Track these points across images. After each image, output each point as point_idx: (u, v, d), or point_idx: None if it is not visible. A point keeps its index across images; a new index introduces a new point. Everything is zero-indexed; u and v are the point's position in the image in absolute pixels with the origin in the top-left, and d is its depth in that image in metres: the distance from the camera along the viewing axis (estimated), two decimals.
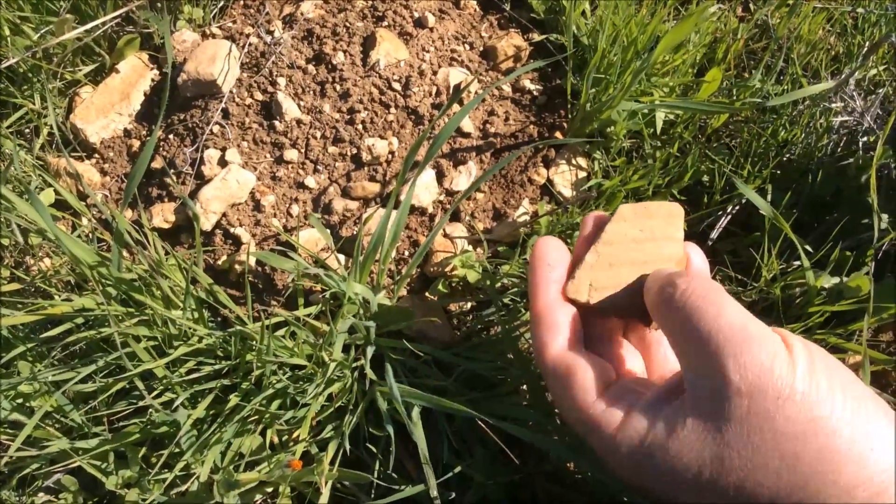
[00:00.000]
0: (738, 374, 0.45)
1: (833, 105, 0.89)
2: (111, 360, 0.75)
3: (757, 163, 0.91)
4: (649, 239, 0.60)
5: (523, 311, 0.85)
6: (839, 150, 0.90)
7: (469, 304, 0.89)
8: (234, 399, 0.75)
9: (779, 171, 0.91)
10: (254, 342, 0.75)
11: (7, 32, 0.94)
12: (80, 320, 0.80)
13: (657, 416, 0.49)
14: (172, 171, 0.90)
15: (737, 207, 0.89)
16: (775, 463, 0.44)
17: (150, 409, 0.76)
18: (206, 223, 0.86)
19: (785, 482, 0.44)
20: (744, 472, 0.45)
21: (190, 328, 0.76)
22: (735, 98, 0.94)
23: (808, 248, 0.83)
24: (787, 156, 0.92)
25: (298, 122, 0.90)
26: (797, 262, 0.84)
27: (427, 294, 0.88)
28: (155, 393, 0.76)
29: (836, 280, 0.81)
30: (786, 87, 0.96)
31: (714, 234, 0.89)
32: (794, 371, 0.45)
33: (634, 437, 0.50)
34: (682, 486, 0.47)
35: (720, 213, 0.90)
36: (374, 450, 0.79)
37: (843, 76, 0.89)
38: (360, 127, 0.90)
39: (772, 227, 0.83)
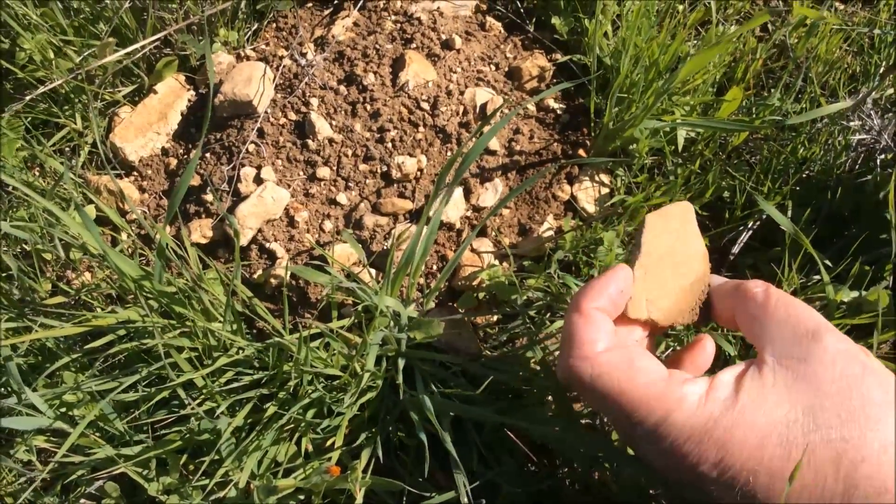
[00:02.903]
0: (833, 343, 0.52)
1: (851, 123, 0.92)
2: (153, 370, 0.78)
3: (777, 179, 0.93)
4: (678, 242, 0.63)
5: (549, 323, 0.87)
6: (857, 167, 0.92)
7: (495, 317, 0.91)
8: (271, 408, 0.77)
9: (798, 188, 0.93)
10: (291, 353, 0.78)
11: (51, 55, 0.98)
12: (121, 332, 0.83)
13: (742, 381, 0.53)
14: (210, 188, 0.93)
15: (757, 223, 0.92)
16: (861, 420, 0.49)
17: (192, 418, 0.79)
18: (243, 238, 0.89)
19: (868, 438, 0.49)
20: (834, 425, 0.49)
21: (229, 339, 0.79)
22: (755, 116, 0.97)
23: (827, 262, 0.85)
24: (807, 173, 0.94)
25: (330, 140, 0.93)
26: (817, 277, 0.86)
27: (455, 307, 0.91)
28: (196, 402, 0.78)
29: (855, 294, 0.83)
30: (804, 106, 0.98)
31: (735, 249, 0.91)
32: (871, 356, 0.53)
33: (724, 399, 0.52)
34: (770, 444, 0.50)
35: (741, 228, 0.92)
36: (406, 458, 0.82)
37: (860, 95, 0.91)
38: (389, 145, 0.93)
39: (792, 242, 0.85)
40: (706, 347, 0.65)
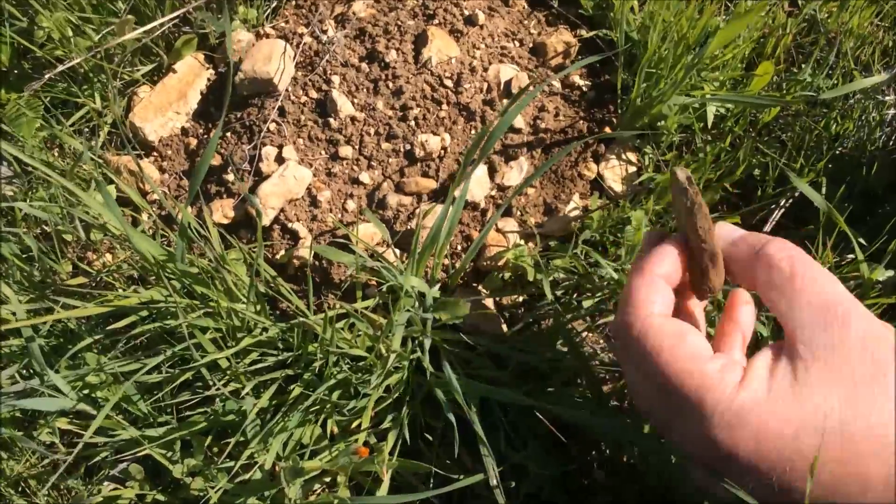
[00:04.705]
0: (863, 327, 0.50)
1: (886, 98, 0.89)
2: (177, 351, 0.77)
3: (810, 156, 0.91)
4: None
5: (575, 304, 0.86)
6: (892, 142, 0.90)
7: (521, 298, 0.90)
8: (297, 389, 0.76)
9: (831, 165, 0.91)
10: (316, 334, 0.77)
11: (70, 33, 0.97)
12: (144, 313, 0.83)
13: (775, 370, 0.52)
14: (231, 168, 0.92)
15: (789, 201, 0.90)
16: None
17: (217, 399, 0.78)
18: (265, 218, 0.88)
19: None
20: (873, 412, 0.48)
21: (253, 320, 0.78)
22: (785, 92, 0.94)
23: (861, 241, 0.83)
24: (839, 149, 0.92)
25: (352, 119, 0.92)
26: (851, 255, 0.84)
27: (480, 287, 0.89)
28: (221, 383, 0.78)
29: (890, 273, 0.81)
30: (836, 82, 0.96)
31: (767, 228, 0.89)
32: None
33: (759, 389, 0.51)
34: (806, 435, 0.49)
35: (773, 206, 0.90)
36: (432, 439, 0.81)
37: (895, 69, 0.89)
38: (412, 123, 0.91)
39: (826, 220, 0.83)
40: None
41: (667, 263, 0.58)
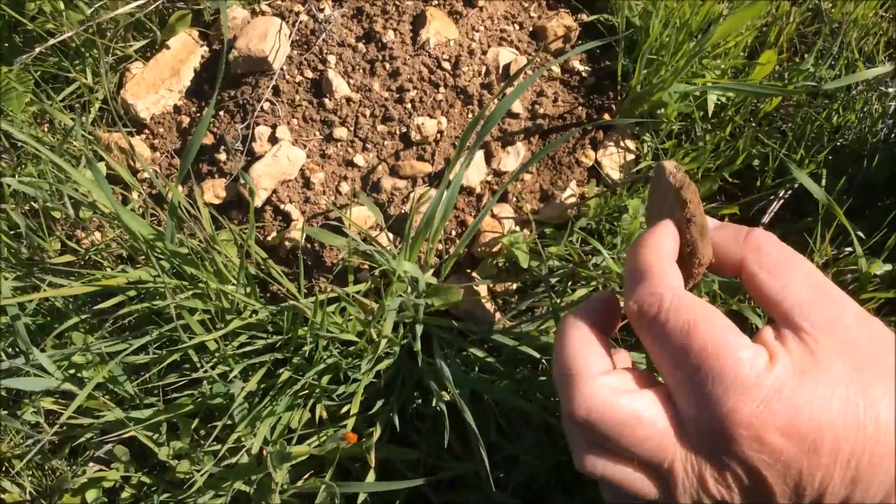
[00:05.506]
0: (853, 306, 0.49)
1: (889, 89, 0.88)
2: (165, 331, 0.76)
3: (810, 148, 0.90)
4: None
5: (570, 292, 0.85)
6: (893, 135, 0.89)
7: (515, 285, 0.89)
8: (286, 373, 0.75)
9: (831, 157, 0.90)
10: (306, 317, 0.75)
11: (62, 6, 0.95)
12: (132, 293, 0.81)
13: (788, 345, 0.48)
14: (223, 147, 0.90)
15: (788, 192, 0.89)
16: None
17: (205, 382, 0.77)
18: (257, 199, 0.87)
19: None
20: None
21: (243, 302, 0.76)
22: (788, 82, 0.93)
23: (860, 234, 0.82)
24: (840, 141, 0.91)
25: (348, 100, 0.90)
26: (849, 249, 0.83)
27: (474, 274, 0.88)
28: (208, 365, 0.76)
29: (888, 267, 0.80)
30: (839, 72, 0.95)
31: (765, 219, 0.88)
32: None
33: (786, 363, 0.47)
34: (836, 408, 0.45)
35: (771, 197, 0.89)
36: (422, 426, 0.80)
37: None
38: (409, 106, 0.90)
39: (825, 212, 0.82)
40: None
41: (671, 240, 0.54)
